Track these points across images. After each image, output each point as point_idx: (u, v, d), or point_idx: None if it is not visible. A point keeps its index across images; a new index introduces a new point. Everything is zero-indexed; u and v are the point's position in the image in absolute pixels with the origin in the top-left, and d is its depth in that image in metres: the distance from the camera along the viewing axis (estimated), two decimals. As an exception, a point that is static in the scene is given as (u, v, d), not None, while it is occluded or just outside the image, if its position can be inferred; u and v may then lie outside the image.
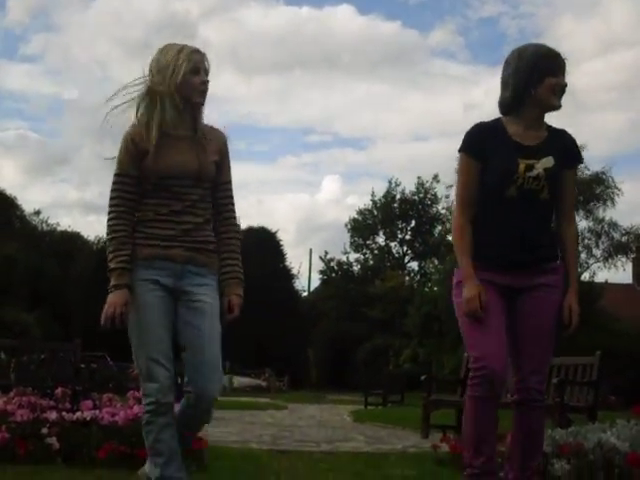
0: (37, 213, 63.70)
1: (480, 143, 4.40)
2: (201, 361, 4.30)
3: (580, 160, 4.58)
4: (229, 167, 4.44)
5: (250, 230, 61.05)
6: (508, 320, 4.42)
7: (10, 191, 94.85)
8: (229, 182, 4.45)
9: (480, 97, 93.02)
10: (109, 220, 4.19)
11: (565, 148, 4.45)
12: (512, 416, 4.48)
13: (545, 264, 4.42)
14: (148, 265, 4.19)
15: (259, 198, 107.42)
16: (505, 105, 4.48)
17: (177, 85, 4.19)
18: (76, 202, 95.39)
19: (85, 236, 62.63)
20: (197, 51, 4.27)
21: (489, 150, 4.37)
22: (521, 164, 4.34)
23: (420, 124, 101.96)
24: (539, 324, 4.39)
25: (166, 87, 4.19)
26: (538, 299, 4.39)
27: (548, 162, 4.37)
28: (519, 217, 4.36)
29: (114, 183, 4.20)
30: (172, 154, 4.21)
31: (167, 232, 4.21)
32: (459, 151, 4.44)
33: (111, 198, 4.20)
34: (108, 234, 4.19)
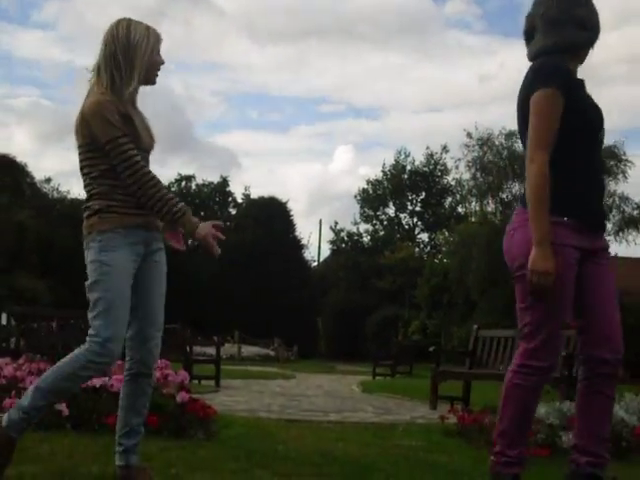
0: (48, 180, 63.72)
1: (569, 81, 4.04)
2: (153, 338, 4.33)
3: (529, 87, 4.10)
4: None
5: (260, 200, 61.10)
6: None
7: (22, 158, 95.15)
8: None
9: (495, 68, 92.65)
10: (141, 170, 4.13)
11: (524, 80, 4.19)
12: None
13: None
14: (130, 234, 4.19)
15: (271, 167, 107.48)
16: (581, 45, 4.12)
17: (147, 63, 4.24)
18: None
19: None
20: (157, 31, 4.37)
21: (574, 89, 4.04)
22: (590, 106, 4.14)
23: (434, 95, 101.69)
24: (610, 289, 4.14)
25: (139, 63, 4.22)
26: (604, 266, 4.13)
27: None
28: (601, 166, 4.20)
29: (122, 144, 4.13)
30: (141, 127, 4.28)
31: (128, 201, 4.23)
32: (545, 86, 3.95)
33: (128, 154, 4.12)
34: (150, 181, 4.13)
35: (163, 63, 4.39)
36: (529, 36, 4.18)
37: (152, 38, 4.30)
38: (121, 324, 4.14)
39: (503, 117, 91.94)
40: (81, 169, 4.29)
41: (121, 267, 4.18)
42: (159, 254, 4.36)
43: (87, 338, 4.20)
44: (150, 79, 4.36)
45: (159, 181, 4.16)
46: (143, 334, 4.28)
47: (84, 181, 4.29)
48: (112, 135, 4.12)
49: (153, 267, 4.33)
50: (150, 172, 4.15)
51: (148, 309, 4.30)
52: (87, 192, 4.30)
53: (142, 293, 4.27)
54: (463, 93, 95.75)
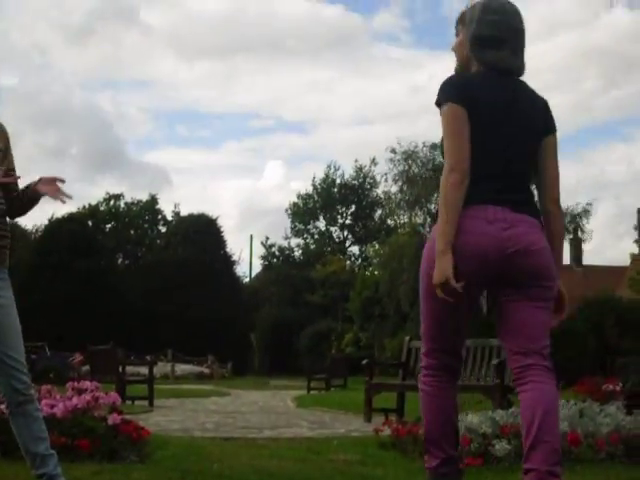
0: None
1: None
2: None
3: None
4: (12, 155, 4.47)
5: (190, 217, 60.80)
6: None
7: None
8: (14, 169, 4.46)
9: (424, 81, 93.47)
10: None
11: None
12: None
13: None
14: None
15: (202, 184, 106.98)
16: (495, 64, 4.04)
17: None
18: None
19: (23, 225, 61.82)
20: None
21: None
22: None
23: (364, 108, 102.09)
24: None
25: None
26: None
27: None
28: None
29: None
30: None
31: None
32: (441, 102, 3.94)
33: None
34: None
35: None
36: (497, 42, 4.00)
37: None
38: None
39: (432, 128, 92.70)
40: None
41: None
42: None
43: None
44: None
45: None
46: (10, 368, 4.26)
47: None
48: None
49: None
50: None
51: (9, 342, 4.27)
52: None
53: None
54: (393, 105, 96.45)
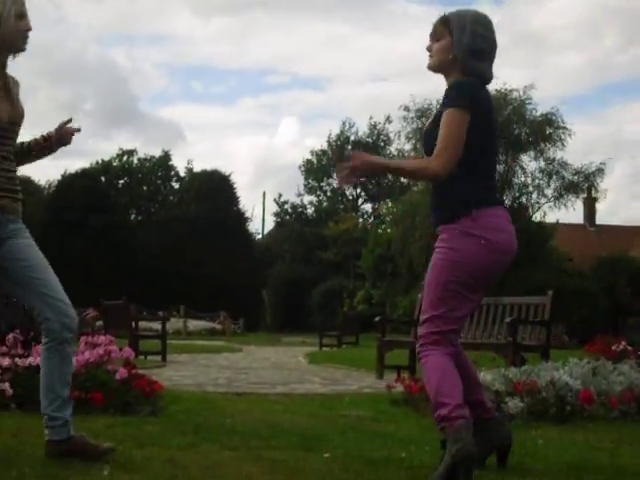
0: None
1: None
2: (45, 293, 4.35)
3: (442, 106, 4.38)
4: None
5: (203, 173, 60.74)
6: None
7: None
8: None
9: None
10: None
11: (443, 98, 4.42)
12: None
13: (440, 225, 4.39)
14: None
15: (216, 140, 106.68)
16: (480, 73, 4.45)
17: (9, 31, 4.20)
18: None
19: (36, 181, 61.92)
20: None
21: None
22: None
23: (380, 65, 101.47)
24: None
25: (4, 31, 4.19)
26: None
27: (428, 121, 4.67)
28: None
29: None
30: (16, 98, 4.30)
31: None
32: (457, 107, 4.29)
33: None
34: None
35: (29, 27, 4.29)
36: (485, 55, 4.44)
37: (9, 3, 4.18)
38: None
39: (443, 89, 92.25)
40: None
41: None
42: (19, 235, 4.33)
43: None
44: (15, 47, 4.29)
45: None
46: (53, 301, 4.26)
47: None
48: None
49: (17, 248, 4.30)
50: None
51: (43, 276, 4.29)
52: None
53: (19, 265, 4.26)
54: (409, 62, 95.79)
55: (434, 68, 4.51)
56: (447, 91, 4.39)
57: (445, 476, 3.96)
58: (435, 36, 4.48)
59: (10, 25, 4.17)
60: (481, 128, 4.30)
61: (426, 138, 4.48)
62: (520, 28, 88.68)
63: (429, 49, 4.51)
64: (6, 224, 4.23)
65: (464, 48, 4.35)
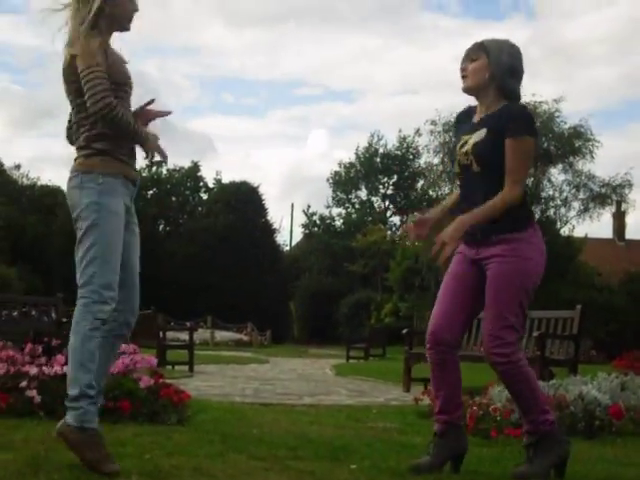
0: (17, 167, 63.31)
1: None
2: (135, 289, 4.39)
3: (512, 133, 4.45)
4: None
5: (231, 184, 60.88)
6: (476, 290, 4.59)
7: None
8: None
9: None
10: (104, 99, 4.11)
11: (506, 121, 4.49)
12: None
13: (496, 236, 4.50)
14: (120, 183, 4.21)
15: (247, 152, 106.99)
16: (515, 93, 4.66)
17: (123, 10, 4.35)
18: (61, 156, 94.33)
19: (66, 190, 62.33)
20: None
21: None
22: (460, 141, 4.66)
23: (410, 77, 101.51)
24: (490, 293, 4.50)
25: (120, 10, 4.33)
26: (491, 271, 4.51)
27: (479, 135, 4.55)
28: (464, 191, 4.70)
29: (92, 71, 4.12)
30: (119, 61, 4.38)
31: (125, 148, 4.29)
32: (531, 136, 4.52)
33: (94, 82, 4.11)
34: (112, 111, 4.13)
35: (137, 10, 4.42)
36: (520, 77, 4.70)
37: None
38: (115, 272, 4.12)
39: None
40: (78, 112, 4.27)
41: (120, 214, 4.17)
42: (134, 223, 4.39)
43: (79, 290, 4.12)
44: (124, 25, 4.42)
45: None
46: (128, 296, 4.28)
47: (81, 123, 4.26)
48: (88, 62, 4.10)
49: (132, 236, 4.35)
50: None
51: (131, 272, 4.32)
52: (86, 131, 4.25)
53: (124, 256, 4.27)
54: (439, 75, 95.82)
55: (470, 89, 4.65)
56: (520, 118, 4.53)
57: (549, 472, 4.45)
58: (470, 57, 4.62)
59: (125, 4, 4.32)
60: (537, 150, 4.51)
61: (481, 150, 4.54)
62: (552, 42, 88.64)
63: (464, 69, 4.63)
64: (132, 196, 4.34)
65: (504, 66, 4.55)
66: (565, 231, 40.02)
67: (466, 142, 4.61)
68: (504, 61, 4.56)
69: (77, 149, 4.27)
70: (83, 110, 4.21)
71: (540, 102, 38.87)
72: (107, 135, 4.19)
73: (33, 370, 6.76)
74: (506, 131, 4.46)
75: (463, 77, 4.64)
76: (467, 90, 4.66)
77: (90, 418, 4.09)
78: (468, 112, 4.82)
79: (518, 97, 4.66)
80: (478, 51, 4.60)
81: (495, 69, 4.55)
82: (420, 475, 4.38)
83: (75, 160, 4.27)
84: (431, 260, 5.24)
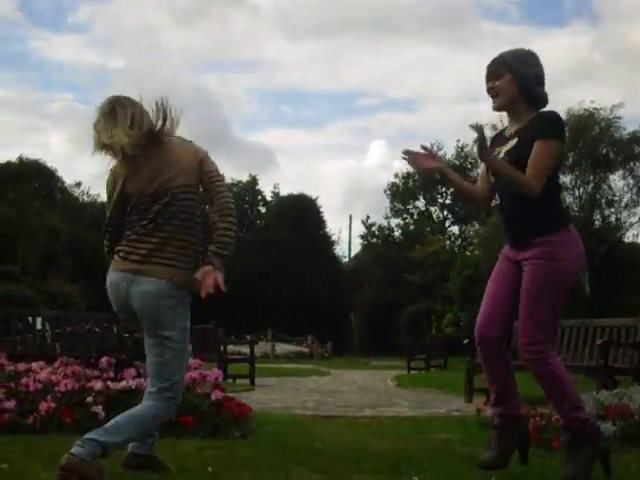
0: (78, 185, 64.09)
1: None
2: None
3: (544, 133, 4.59)
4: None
5: (290, 197, 61.10)
6: (516, 290, 4.73)
7: (55, 163, 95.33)
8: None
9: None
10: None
11: (537, 126, 4.63)
12: None
13: (532, 239, 4.64)
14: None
15: (307, 164, 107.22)
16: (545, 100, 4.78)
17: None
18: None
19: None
20: None
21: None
22: (495, 152, 4.78)
23: (470, 86, 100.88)
24: (524, 293, 4.65)
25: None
26: (526, 272, 4.66)
27: (511, 144, 4.72)
28: (502, 199, 4.86)
29: None
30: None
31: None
32: (559, 139, 4.63)
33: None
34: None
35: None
36: (544, 83, 4.82)
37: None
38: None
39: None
40: None
41: None
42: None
43: (157, 383, 4.47)
44: None
45: None
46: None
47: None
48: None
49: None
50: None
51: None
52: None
53: None
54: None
55: (503, 107, 4.79)
56: (549, 122, 4.64)
57: (590, 469, 4.54)
58: (494, 76, 4.75)
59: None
60: (564, 154, 4.56)
61: (513, 156, 4.67)
62: (614, 46, 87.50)
63: (491, 88, 4.76)
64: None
65: (530, 78, 4.70)
66: (629, 237, 39.62)
67: (500, 152, 4.77)
68: (529, 72, 4.70)
69: None
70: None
71: (599, 108, 38.49)
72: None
73: (98, 385, 6.85)
74: (536, 135, 4.59)
75: (493, 96, 4.78)
76: (499, 109, 4.81)
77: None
78: (501, 133, 5.01)
79: (547, 102, 4.79)
80: (501, 68, 4.72)
81: (522, 83, 4.69)
82: (490, 471, 4.65)
83: None
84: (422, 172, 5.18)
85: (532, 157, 4.56)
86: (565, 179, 42.83)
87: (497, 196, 4.95)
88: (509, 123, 4.90)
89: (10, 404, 6.49)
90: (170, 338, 4.41)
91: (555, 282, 4.59)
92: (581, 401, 4.66)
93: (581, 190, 42.80)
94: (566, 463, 4.58)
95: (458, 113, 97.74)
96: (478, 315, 4.97)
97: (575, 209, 43.33)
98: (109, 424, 4.37)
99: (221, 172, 4.53)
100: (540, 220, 4.62)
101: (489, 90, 4.78)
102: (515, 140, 4.71)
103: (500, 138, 4.92)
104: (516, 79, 4.68)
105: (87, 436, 4.23)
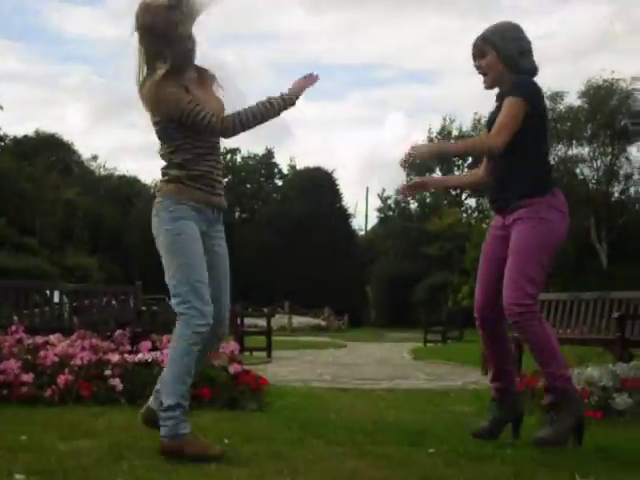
0: (94, 158, 64.24)
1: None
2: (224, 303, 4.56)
3: (510, 92, 4.73)
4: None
5: (306, 170, 61.05)
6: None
7: (73, 136, 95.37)
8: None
9: (552, 29, 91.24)
10: (242, 119, 4.40)
11: (507, 90, 4.80)
12: None
13: (517, 201, 4.75)
14: (190, 209, 4.36)
15: (324, 136, 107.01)
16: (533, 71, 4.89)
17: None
18: (141, 146, 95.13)
19: (143, 180, 63.04)
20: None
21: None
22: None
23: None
24: (512, 251, 4.72)
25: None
26: (514, 232, 4.75)
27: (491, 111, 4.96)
28: (492, 165, 4.95)
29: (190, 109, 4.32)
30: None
31: (214, 176, 4.45)
32: (524, 98, 4.70)
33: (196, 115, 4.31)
34: (249, 118, 4.41)
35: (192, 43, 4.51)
36: (530, 53, 4.94)
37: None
38: (206, 287, 4.33)
39: (554, 77, 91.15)
40: (159, 138, 4.47)
41: (193, 236, 4.32)
42: (220, 241, 4.56)
43: (176, 308, 4.33)
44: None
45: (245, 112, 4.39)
46: (216, 316, 4.45)
47: (164, 149, 4.45)
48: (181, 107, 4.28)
49: (214, 254, 4.50)
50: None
51: (221, 289, 4.53)
52: (167, 159, 4.44)
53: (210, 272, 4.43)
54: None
55: (493, 84, 4.94)
56: (515, 84, 4.76)
57: (569, 436, 4.65)
58: (479, 54, 4.89)
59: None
60: (543, 116, 4.85)
61: (491, 117, 4.92)
62: (635, 16, 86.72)
63: (478, 66, 4.91)
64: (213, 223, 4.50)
65: (513, 53, 4.81)
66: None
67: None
68: (512, 47, 4.81)
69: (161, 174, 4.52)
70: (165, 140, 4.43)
71: (618, 79, 38.25)
72: (182, 164, 4.37)
73: (115, 358, 6.89)
74: (506, 95, 4.77)
75: (483, 74, 4.92)
76: (491, 87, 4.95)
77: (184, 425, 4.19)
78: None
79: (535, 72, 4.90)
80: (485, 46, 4.85)
81: (506, 59, 4.81)
82: (483, 439, 4.83)
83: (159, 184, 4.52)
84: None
85: (499, 115, 4.73)
86: (583, 151, 42.69)
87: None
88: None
89: (28, 377, 6.53)
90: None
91: (541, 239, 4.66)
92: (565, 360, 4.76)
93: (599, 162, 42.65)
94: (544, 425, 4.70)
95: (477, 85, 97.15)
96: (475, 294, 4.99)
97: (593, 181, 43.21)
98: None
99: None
100: (526, 183, 4.72)
101: (477, 69, 4.93)
102: (494, 106, 4.94)
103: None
104: (500, 55, 4.81)
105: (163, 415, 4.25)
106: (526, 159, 4.74)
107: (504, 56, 4.81)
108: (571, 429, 4.68)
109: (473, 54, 4.92)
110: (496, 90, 4.98)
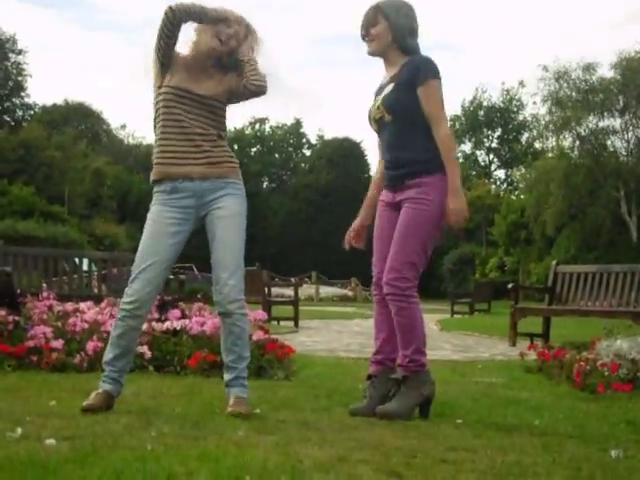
0: (123, 127, 64.41)
1: None
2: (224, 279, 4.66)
3: (420, 81, 4.80)
4: None
5: (334, 140, 60.92)
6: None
7: (102, 105, 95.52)
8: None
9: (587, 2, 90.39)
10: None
11: (412, 71, 4.84)
12: None
13: (408, 180, 4.86)
14: (173, 186, 4.76)
15: (353, 106, 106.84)
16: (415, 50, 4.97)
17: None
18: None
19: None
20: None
21: None
22: (373, 102, 5.07)
23: (519, 29, 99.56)
24: (397, 232, 4.85)
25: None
26: (401, 214, 4.87)
27: (387, 90, 4.93)
28: (385, 143, 5.03)
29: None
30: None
31: (174, 146, 4.76)
32: (435, 78, 4.84)
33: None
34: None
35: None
36: (417, 35, 5.06)
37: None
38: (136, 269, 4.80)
39: (587, 49, 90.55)
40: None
41: (153, 219, 4.70)
42: (222, 202, 4.57)
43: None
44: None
45: None
46: (216, 278, 4.57)
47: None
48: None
49: (215, 217, 4.57)
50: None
51: (217, 256, 4.56)
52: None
53: (211, 242, 4.57)
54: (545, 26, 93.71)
55: (376, 52, 4.98)
56: (423, 65, 4.85)
57: (412, 411, 4.73)
58: (369, 23, 4.93)
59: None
60: None
61: (390, 100, 4.89)
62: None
63: (365, 35, 4.95)
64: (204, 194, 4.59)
65: (403, 28, 4.90)
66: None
67: (377, 101, 5.00)
68: (403, 23, 4.90)
69: None
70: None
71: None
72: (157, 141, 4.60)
73: (143, 326, 6.91)
74: (415, 82, 4.81)
75: (368, 42, 4.96)
76: (373, 54, 4.99)
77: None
78: (379, 86, 5.12)
79: (419, 52, 4.98)
80: (377, 15, 4.91)
81: (396, 31, 4.89)
82: (357, 416, 4.71)
83: None
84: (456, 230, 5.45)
85: (425, 107, 4.79)
86: (615, 123, 42.33)
87: (380, 142, 5.12)
88: (385, 70, 5.06)
89: (58, 343, 6.57)
90: None
91: (427, 223, 4.77)
92: (425, 347, 4.84)
93: (630, 134, 42.31)
94: (391, 398, 4.78)
95: (505, 56, 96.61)
96: (373, 269, 5.19)
97: (624, 153, 42.87)
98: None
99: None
100: (417, 162, 4.80)
101: (363, 37, 4.97)
102: (391, 85, 4.92)
103: (379, 90, 5.07)
104: (390, 27, 4.88)
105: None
106: (422, 138, 4.82)
107: (395, 29, 4.88)
108: (415, 405, 4.78)
109: (363, 21, 4.96)
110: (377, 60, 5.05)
